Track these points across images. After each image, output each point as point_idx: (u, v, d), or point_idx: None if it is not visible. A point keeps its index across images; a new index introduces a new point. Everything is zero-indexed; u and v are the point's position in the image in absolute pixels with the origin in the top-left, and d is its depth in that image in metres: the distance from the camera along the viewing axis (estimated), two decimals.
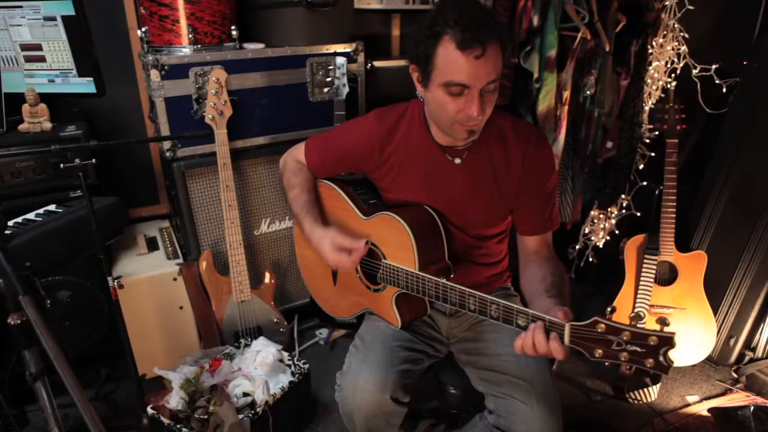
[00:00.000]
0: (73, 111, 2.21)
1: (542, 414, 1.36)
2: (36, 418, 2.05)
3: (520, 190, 1.49)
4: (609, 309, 1.07)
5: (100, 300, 2.06)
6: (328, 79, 2.29)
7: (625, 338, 1.03)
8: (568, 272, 2.97)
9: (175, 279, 2.16)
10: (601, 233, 2.79)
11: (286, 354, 2.07)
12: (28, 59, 2.14)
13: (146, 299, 2.14)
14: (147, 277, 2.13)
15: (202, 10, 2.09)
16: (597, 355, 1.07)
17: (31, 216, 1.74)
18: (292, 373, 2.01)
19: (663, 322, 1.01)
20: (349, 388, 1.44)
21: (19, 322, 1.19)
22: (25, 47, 2.11)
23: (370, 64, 2.44)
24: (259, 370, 1.96)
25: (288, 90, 2.27)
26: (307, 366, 2.03)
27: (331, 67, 2.26)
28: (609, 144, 2.51)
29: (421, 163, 1.51)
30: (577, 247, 2.84)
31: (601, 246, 2.81)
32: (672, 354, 1.00)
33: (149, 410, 1.80)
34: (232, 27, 2.17)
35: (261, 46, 2.22)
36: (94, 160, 1.64)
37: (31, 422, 2.02)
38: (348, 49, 2.32)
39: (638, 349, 1.02)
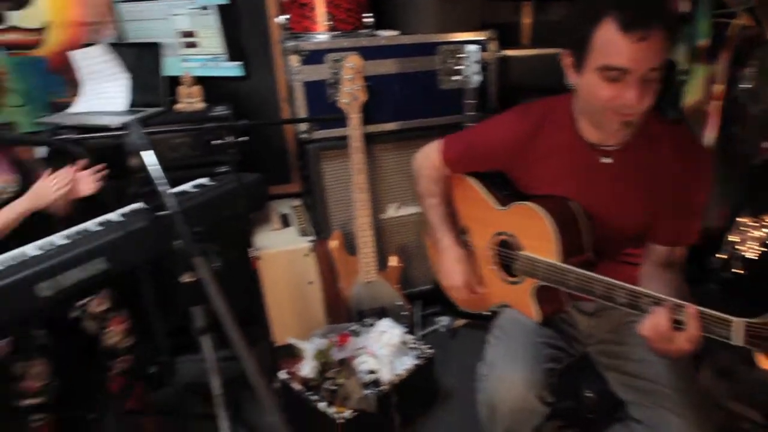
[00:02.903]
0: (220, 93, 2.37)
1: (698, 429, 1.28)
2: (183, 368, 2.21)
3: (670, 199, 1.38)
4: None
5: (245, 269, 2.17)
6: (458, 67, 2.28)
7: None
8: (710, 281, 2.75)
9: (306, 255, 2.25)
10: (752, 243, 2.55)
11: (410, 337, 2.11)
12: (184, 45, 2.32)
13: (279, 272, 2.25)
14: (281, 251, 2.24)
15: None
16: None
17: (187, 187, 1.89)
18: (417, 357, 2.03)
19: None
20: (495, 381, 1.41)
21: (191, 281, 1.31)
22: (182, 34, 2.29)
23: (501, 53, 2.41)
24: (384, 350, 2.00)
25: (418, 77, 2.30)
26: (431, 350, 2.05)
27: (461, 55, 2.25)
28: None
29: (566, 161, 1.45)
30: (723, 256, 2.61)
31: (756, 258, 2.55)
32: None
33: (283, 375, 1.90)
34: (368, 14, 2.22)
35: (395, 33, 2.26)
36: (247, 138, 1.75)
37: (178, 372, 2.18)
38: (480, 37, 2.31)
39: None
